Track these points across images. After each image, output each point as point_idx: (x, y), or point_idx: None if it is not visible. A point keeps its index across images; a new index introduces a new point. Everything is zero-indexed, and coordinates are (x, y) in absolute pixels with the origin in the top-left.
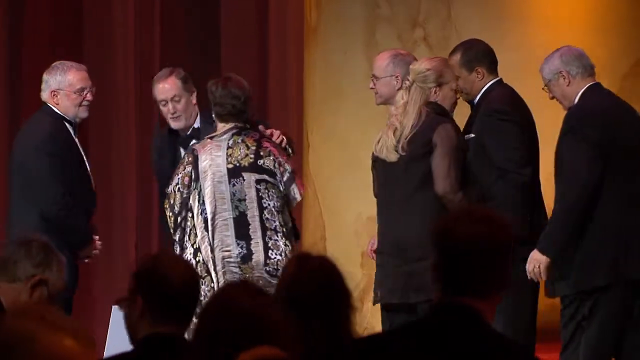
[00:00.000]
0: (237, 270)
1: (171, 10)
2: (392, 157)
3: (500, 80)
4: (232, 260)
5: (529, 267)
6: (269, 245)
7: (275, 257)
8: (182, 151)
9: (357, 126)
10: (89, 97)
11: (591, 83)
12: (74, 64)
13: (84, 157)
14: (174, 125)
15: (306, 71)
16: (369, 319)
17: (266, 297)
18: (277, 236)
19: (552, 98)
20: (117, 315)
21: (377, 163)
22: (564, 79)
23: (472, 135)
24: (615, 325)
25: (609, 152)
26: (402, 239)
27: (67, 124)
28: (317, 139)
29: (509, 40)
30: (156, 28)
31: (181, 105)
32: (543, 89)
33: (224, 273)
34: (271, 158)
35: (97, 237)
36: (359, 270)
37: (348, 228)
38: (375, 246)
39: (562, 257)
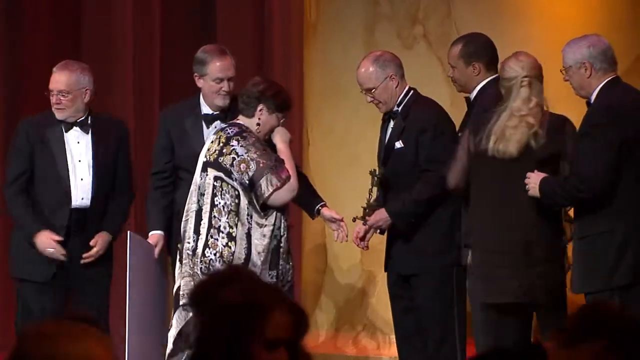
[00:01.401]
0: (189, 262)
1: (170, 9)
2: (515, 152)
3: (497, 79)
4: (188, 252)
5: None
6: (209, 243)
7: (209, 256)
8: (203, 129)
9: (356, 123)
10: (53, 100)
11: (611, 78)
12: (61, 64)
13: (68, 156)
14: (222, 102)
15: (306, 68)
16: (369, 315)
17: (254, 282)
18: (219, 236)
19: (566, 80)
20: (133, 240)
21: (482, 158)
22: (586, 70)
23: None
24: None
25: (629, 151)
26: (515, 238)
27: (60, 121)
28: (316, 136)
29: (508, 37)
30: (155, 27)
31: (232, 85)
32: (561, 71)
33: (183, 265)
34: (231, 157)
35: (55, 238)
36: (358, 267)
37: (347, 225)
38: (361, 234)
39: (586, 255)
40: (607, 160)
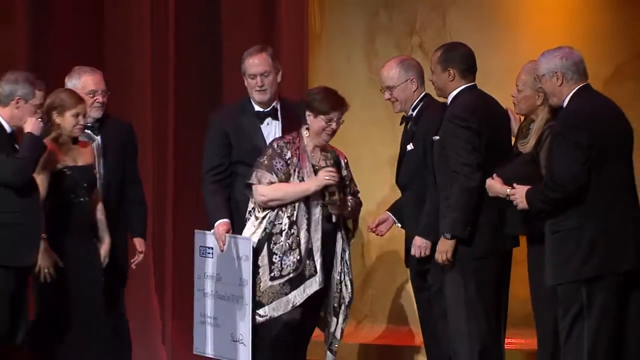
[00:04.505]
0: None
1: (184, 14)
2: None
3: (473, 86)
4: None
5: (518, 200)
6: None
7: None
8: (259, 125)
9: (357, 127)
10: (99, 99)
11: (581, 85)
12: (88, 68)
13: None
14: (259, 97)
15: (311, 76)
16: (370, 306)
17: None
18: None
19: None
20: (199, 238)
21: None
22: (558, 79)
23: (437, 137)
24: (613, 314)
25: (599, 152)
26: None
27: None
28: None
29: (499, 46)
30: (170, 31)
31: (269, 80)
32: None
33: None
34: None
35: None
36: (360, 262)
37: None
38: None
39: (558, 249)
40: (577, 161)
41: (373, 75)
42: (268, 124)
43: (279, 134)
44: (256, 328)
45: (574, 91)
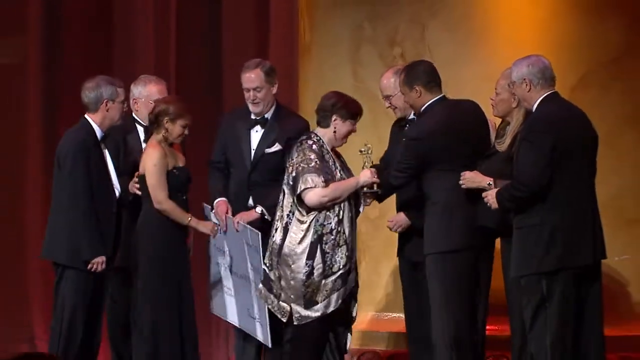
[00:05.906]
0: None
1: (184, 36)
2: None
3: (442, 98)
4: None
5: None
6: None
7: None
8: (249, 131)
9: None
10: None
11: (548, 92)
12: (154, 77)
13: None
14: (252, 109)
15: (301, 83)
16: (360, 291)
17: None
18: (273, 226)
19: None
20: (206, 212)
21: None
22: (526, 85)
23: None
24: (572, 305)
25: (561, 156)
26: None
27: (139, 126)
28: None
29: (474, 56)
30: (171, 45)
31: (261, 94)
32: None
33: None
34: (289, 160)
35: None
36: None
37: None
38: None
39: (521, 243)
40: (540, 163)
41: (358, 83)
42: (257, 131)
43: (260, 140)
44: (302, 327)
45: (541, 98)
